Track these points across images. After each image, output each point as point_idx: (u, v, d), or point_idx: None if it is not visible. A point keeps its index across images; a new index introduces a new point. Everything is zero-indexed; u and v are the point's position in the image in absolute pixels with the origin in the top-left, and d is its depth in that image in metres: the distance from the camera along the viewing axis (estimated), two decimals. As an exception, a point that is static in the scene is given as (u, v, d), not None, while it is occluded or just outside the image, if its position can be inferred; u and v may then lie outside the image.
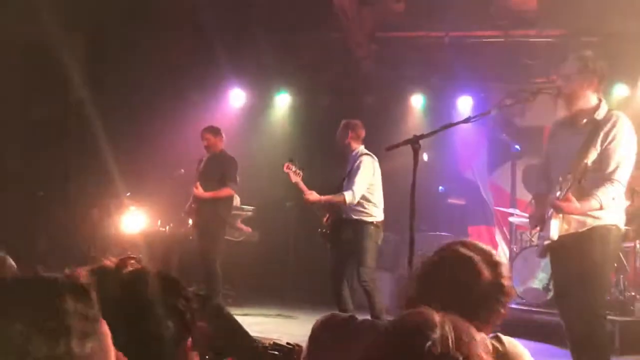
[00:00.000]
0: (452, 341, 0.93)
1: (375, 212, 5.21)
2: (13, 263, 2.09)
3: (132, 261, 1.28)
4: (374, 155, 5.34)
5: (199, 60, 8.08)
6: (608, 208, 3.40)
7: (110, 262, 1.24)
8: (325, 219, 5.37)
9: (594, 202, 3.37)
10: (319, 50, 8.03)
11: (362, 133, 5.42)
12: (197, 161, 6.56)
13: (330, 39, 7.96)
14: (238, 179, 6.42)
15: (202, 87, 8.61)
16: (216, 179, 6.32)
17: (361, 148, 5.35)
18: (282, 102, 9.00)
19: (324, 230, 5.36)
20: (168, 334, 1.20)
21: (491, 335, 1.46)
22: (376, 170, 5.32)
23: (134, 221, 7.33)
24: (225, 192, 6.30)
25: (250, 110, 8.92)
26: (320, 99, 8.61)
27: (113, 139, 6.75)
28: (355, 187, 5.09)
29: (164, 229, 7.71)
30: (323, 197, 5.24)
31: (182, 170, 7.19)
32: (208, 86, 8.65)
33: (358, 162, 5.21)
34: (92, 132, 6.70)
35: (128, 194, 7.34)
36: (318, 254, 8.13)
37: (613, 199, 3.39)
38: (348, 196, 5.07)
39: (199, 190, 6.27)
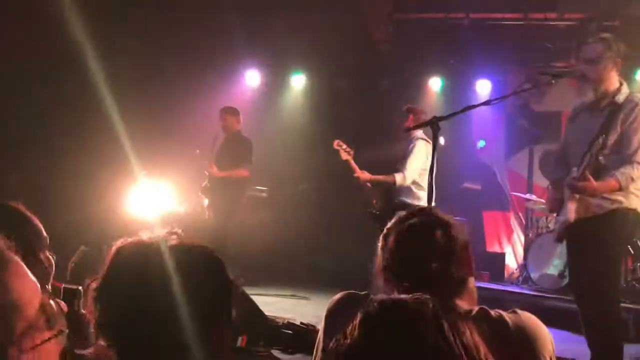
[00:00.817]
0: (448, 330, 0.90)
1: (424, 197, 5.19)
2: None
3: (175, 236, 1.26)
4: (429, 140, 5.31)
5: (215, 41, 8.05)
6: (627, 189, 3.37)
7: (147, 236, 1.22)
8: (374, 201, 5.39)
9: (613, 182, 3.34)
10: (336, 31, 7.96)
11: (423, 117, 5.31)
12: (212, 139, 6.58)
13: (348, 20, 7.89)
14: (253, 160, 6.44)
15: (218, 68, 8.59)
16: (231, 160, 6.35)
17: (419, 133, 5.30)
18: (298, 83, 8.96)
19: (374, 212, 5.37)
20: (209, 312, 1.17)
21: (510, 310, 1.45)
22: (429, 155, 5.32)
23: (150, 201, 7.37)
24: (239, 172, 6.34)
25: (265, 91, 8.90)
26: (336, 81, 8.56)
27: (129, 120, 6.77)
28: (407, 170, 5.13)
29: (180, 209, 7.75)
30: (374, 177, 5.26)
31: (198, 151, 7.21)
32: (224, 67, 8.63)
33: (412, 145, 5.21)
34: (106, 111, 6.72)
35: (144, 173, 7.37)
36: (332, 236, 8.17)
37: (633, 179, 3.35)
38: (398, 178, 5.12)
39: (214, 169, 6.32)
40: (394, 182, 5.12)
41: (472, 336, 0.92)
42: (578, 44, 3.62)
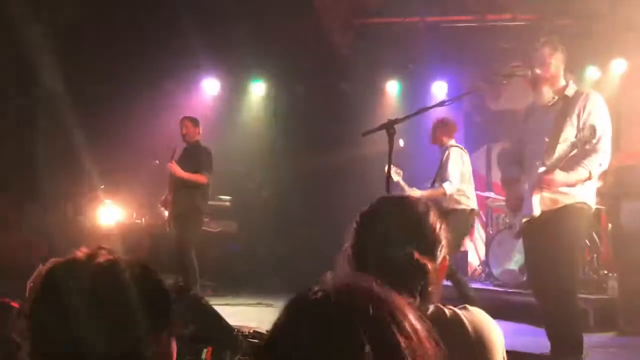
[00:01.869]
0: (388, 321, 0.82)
1: (466, 201, 5.46)
2: None
3: (104, 251, 1.26)
4: (462, 147, 5.71)
5: (173, 49, 7.97)
6: (596, 177, 3.47)
7: (81, 253, 1.22)
8: None
9: (582, 171, 3.44)
10: (295, 37, 7.97)
11: (454, 129, 5.86)
12: (171, 149, 6.50)
13: (306, 25, 7.91)
14: (213, 169, 6.39)
15: (176, 76, 8.51)
16: (191, 168, 6.29)
17: (451, 141, 5.67)
18: (257, 90, 8.94)
19: None
20: (143, 324, 1.18)
21: (460, 306, 1.45)
22: (465, 161, 5.63)
23: (108, 214, 7.24)
24: (199, 177, 6.28)
25: (224, 99, 8.85)
26: (295, 86, 8.57)
27: (85, 130, 6.65)
28: (451, 178, 5.36)
29: (139, 221, 7.63)
30: (425, 193, 5.38)
31: (157, 161, 7.11)
32: (182, 75, 8.55)
33: (446, 154, 5.50)
34: (62, 122, 6.58)
35: (102, 186, 7.25)
36: (296, 242, 8.16)
37: (600, 165, 3.46)
38: (447, 187, 5.32)
39: (175, 167, 6.23)
40: (445, 193, 5.33)
41: (417, 338, 0.83)
42: (524, 50, 3.74)
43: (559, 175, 3.42)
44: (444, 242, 1.47)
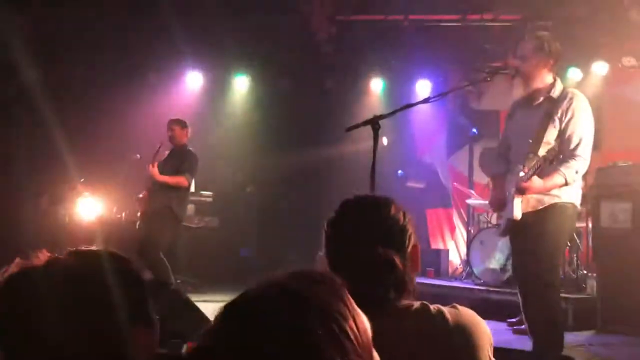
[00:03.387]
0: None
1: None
2: None
3: (79, 248, 1.22)
4: None
5: (156, 42, 7.89)
6: (573, 182, 3.49)
7: (40, 257, 1.18)
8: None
9: (558, 178, 3.45)
10: (279, 32, 7.94)
11: None
12: (157, 145, 6.40)
13: (290, 21, 7.88)
14: (195, 173, 6.33)
15: (159, 70, 8.42)
16: (174, 171, 6.21)
17: None
18: (241, 85, 8.89)
19: None
20: (121, 315, 1.15)
21: (450, 305, 1.45)
22: None
23: (88, 208, 7.15)
24: (179, 179, 6.17)
25: (208, 93, 8.77)
26: (279, 82, 8.54)
27: (65, 123, 6.55)
28: None
29: (120, 216, 7.54)
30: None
31: (138, 156, 7.02)
32: (165, 68, 8.47)
33: None
34: (41, 115, 6.47)
35: (82, 180, 7.15)
36: (279, 238, 8.14)
37: (577, 172, 3.48)
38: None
39: (154, 170, 6.13)
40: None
41: (358, 331, 0.78)
42: (515, 42, 3.74)
43: (535, 183, 3.44)
44: (410, 230, 1.50)
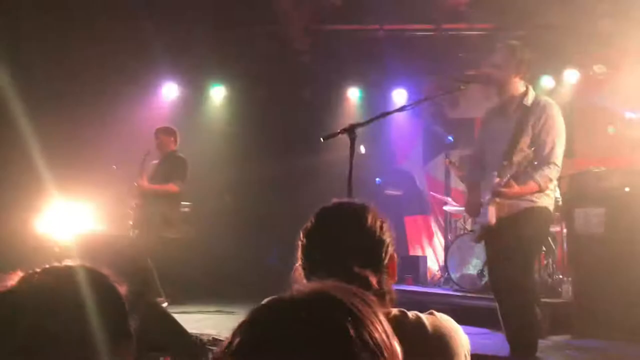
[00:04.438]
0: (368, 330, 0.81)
1: None
2: None
3: (52, 265, 1.21)
4: None
5: (131, 53, 7.85)
6: (547, 189, 3.55)
7: (13, 278, 1.16)
8: None
9: (533, 184, 3.51)
10: (255, 42, 7.95)
11: None
12: (143, 153, 6.42)
13: (267, 31, 7.90)
14: (186, 178, 6.38)
15: (134, 81, 8.37)
16: (163, 178, 6.27)
17: None
18: (217, 95, 8.87)
19: None
20: (100, 336, 1.14)
21: (427, 312, 1.46)
22: None
23: (64, 221, 7.05)
24: (168, 187, 6.23)
25: (184, 104, 8.75)
26: (256, 92, 8.54)
27: (40, 134, 6.46)
28: None
29: (97, 229, 7.45)
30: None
31: (114, 167, 6.98)
32: (141, 80, 8.42)
33: None
34: (14, 126, 6.38)
35: (59, 192, 7.05)
36: (257, 247, 8.11)
37: (551, 180, 3.54)
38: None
39: (144, 182, 6.19)
40: None
41: (387, 338, 0.84)
42: (488, 51, 3.80)
43: (511, 188, 3.49)
44: (388, 241, 1.48)
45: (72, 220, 7.13)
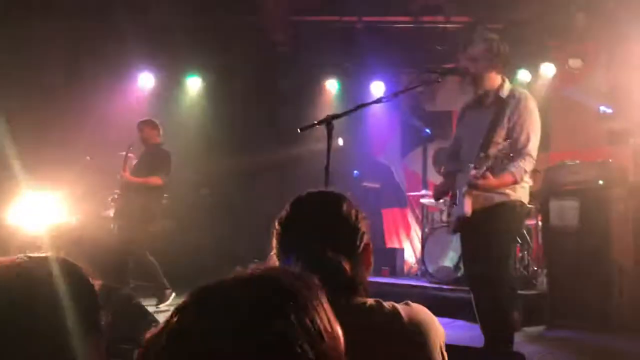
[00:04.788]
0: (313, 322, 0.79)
1: None
2: None
3: (24, 255, 1.18)
4: None
5: (107, 42, 7.72)
6: (522, 181, 3.56)
7: None
8: None
9: (508, 177, 3.52)
10: (232, 32, 7.88)
11: None
12: (127, 145, 6.34)
13: (245, 21, 7.83)
14: (170, 172, 6.34)
15: (110, 71, 8.23)
16: (146, 170, 6.24)
17: None
18: (193, 86, 8.78)
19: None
20: (72, 328, 1.11)
21: (403, 302, 1.46)
22: None
23: (37, 212, 6.92)
24: (151, 179, 6.21)
25: (160, 94, 8.64)
26: (233, 83, 8.47)
27: (12, 126, 6.34)
28: None
29: (71, 220, 7.34)
30: None
31: (89, 158, 6.87)
32: (116, 69, 8.29)
33: None
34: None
35: (31, 183, 6.92)
36: (234, 239, 8.06)
37: (526, 171, 3.56)
38: None
39: (127, 174, 6.12)
40: None
41: (330, 324, 0.82)
42: (465, 42, 3.79)
43: (488, 180, 3.50)
44: (363, 230, 1.48)
45: (44, 211, 7.02)
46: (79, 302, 1.15)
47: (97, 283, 1.31)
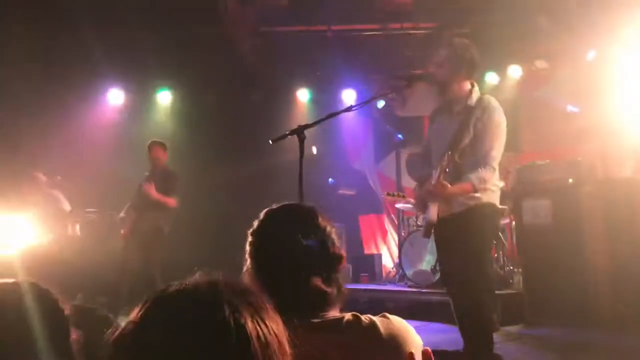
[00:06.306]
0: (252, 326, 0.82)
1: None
2: None
3: None
4: None
5: (74, 58, 7.61)
6: (481, 190, 3.57)
7: None
8: None
9: (467, 185, 3.53)
10: (201, 45, 7.83)
11: None
12: (145, 173, 6.48)
13: (213, 33, 7.79)
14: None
15: (79, 87, 8.13)
16: (162, 191, 6.28)
17: None
18: (164, 100, 8.72)
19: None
20: (41, 353, 1.10)
21: (380, 314, 1.46)
22: None
23: (5, 235, 6.78)
24: (171, 200, 6.28)
25: (130, 110, 8.55)
26: (204, 95, 8.42)
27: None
28: None
29: (43, 242, 7.20)
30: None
31: (59, 177, 6.76)
32: (85, 86, 8.19)
33: None
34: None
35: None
36: (208, 253, 7.98)
37: (485, 181, 3.55)
38: None
39: (152, 189, 6.19)
40: None
41: (276, 335, 0.84)
42: (433, 49, 3.81)
43: (445, 188, 3.50)
44: (335, 241, 1.49)
45: (14, 234, 6.88)
46: (49, 328, 1.13)
47: (66, 307, 1.30)
